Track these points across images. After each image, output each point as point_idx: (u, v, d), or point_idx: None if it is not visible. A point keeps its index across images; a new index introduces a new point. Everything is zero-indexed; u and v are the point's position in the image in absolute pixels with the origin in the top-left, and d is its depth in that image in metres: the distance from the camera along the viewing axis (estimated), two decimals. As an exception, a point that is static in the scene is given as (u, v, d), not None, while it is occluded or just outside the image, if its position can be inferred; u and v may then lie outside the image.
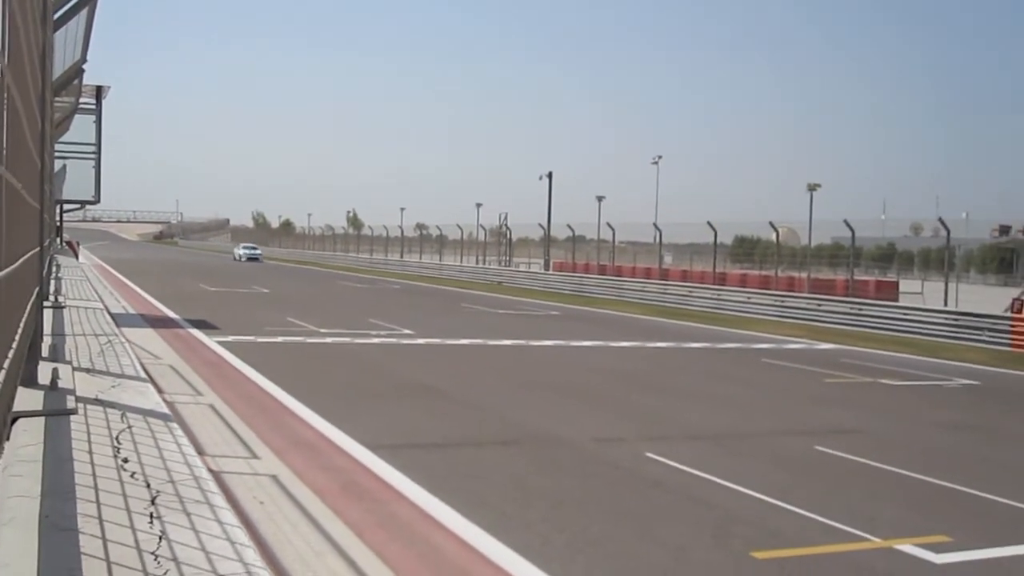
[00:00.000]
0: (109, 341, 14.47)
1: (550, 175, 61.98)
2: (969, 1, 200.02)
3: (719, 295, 37.03)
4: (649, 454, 10.68)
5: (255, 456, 9.80)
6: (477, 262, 63.26)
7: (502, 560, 6.94)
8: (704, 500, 8.90)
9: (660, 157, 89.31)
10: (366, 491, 8.69)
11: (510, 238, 63.98)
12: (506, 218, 65.30)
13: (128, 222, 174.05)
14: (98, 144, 33.75)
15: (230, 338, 20.17)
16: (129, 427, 8.03)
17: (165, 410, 9.41)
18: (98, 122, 33.22)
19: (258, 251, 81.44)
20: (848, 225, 33.16)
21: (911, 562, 7.34)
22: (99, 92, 32.49)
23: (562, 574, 6.75)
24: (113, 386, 10.22)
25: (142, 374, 11.78)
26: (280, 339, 20.79)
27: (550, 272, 54.13)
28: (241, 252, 79.75)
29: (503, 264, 61.32)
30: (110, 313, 20.30)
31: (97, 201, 36.62)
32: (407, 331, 23.88)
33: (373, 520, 7.75)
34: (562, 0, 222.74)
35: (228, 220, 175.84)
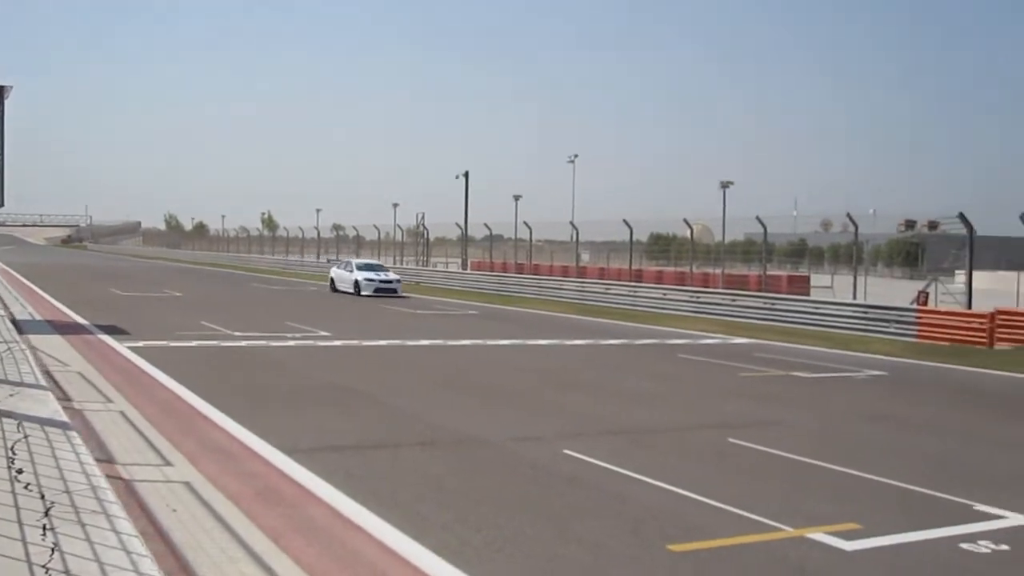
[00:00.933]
0: (9, 349, 14.08)
1: (466, 174, 62.05)
2: None
3: (635, 292, 37.38)
4: (567, 451, 10.72)
5: (168, 463, 9.60)
6: (395, 262, 62.84)
7: (420, 561, 6.90)
8: (621, 495, 8.96)
9: (576, 156, 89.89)
10: (282, 496, 8.57)
11: (427, 238, 63.82)
12: (423, 218, 65.13)
13: (35, 226, 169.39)
14: (1, 146, 32.79)
15: (142, 343, 19.75)
16: (25, 437, 7.82)
17: (64, 418, 9.18)
18: (0, 123, 32.28)
19: (392, 276, 43.03)
20: (760, 221, 33.73)
21: (822, 550, 7.48)
22: (1, 92, 31.56)
23: (480, 574, 6.73)
24: (11, 395, 9.95)
25: (42, 382, 11.48)
26: (194, 343, 20.42)
27: (468, 271, 54.11)
28: (359, 276, 41.56)
29: (421, 264, 61.12)
30: (13, 320, 19.76)
31: (1, 205, 35.54)
32: (324, 333, 23.65)
33: (289, 525, 7.65)
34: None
35: (140, 223, 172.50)
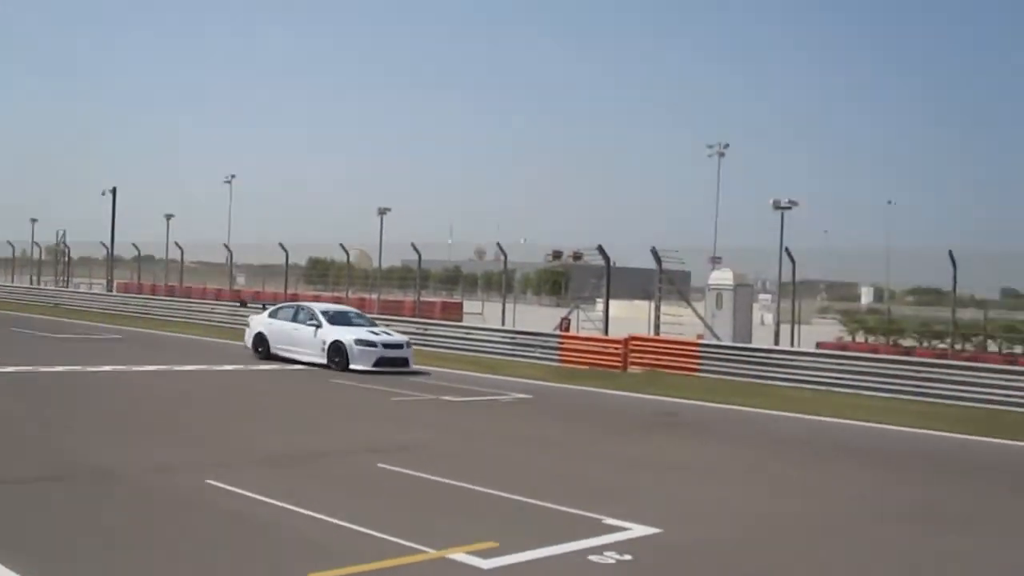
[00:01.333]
0: None
1: (114, 191, 58.83)
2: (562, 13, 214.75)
3: (292, 316, 36.76)
4: (210, 481, 10.34)
5: None
6: (32, 282, 58.36)
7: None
8: (264, 525, 8.77)
9: (234, 176, 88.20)
10: None
11: (69, 256, 59.72)
12: (64, 235, 60.80)
13: None
14: None
15: None
16: None
17: None
18: None
19: (397, 337, 24.81)
20: (415, 248, 34.46)
21: (461, 569, 7.69)
22: None
23: (106, 615, 6.35)
24: None
25: None
26: None
27: (113, 293, 51.22)
28: (342, 338, 23.44)
29: (61, 284, 57.06)
30: None
31: None
32: (-59, 359, 21.48)
33: None
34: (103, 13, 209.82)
35: None
